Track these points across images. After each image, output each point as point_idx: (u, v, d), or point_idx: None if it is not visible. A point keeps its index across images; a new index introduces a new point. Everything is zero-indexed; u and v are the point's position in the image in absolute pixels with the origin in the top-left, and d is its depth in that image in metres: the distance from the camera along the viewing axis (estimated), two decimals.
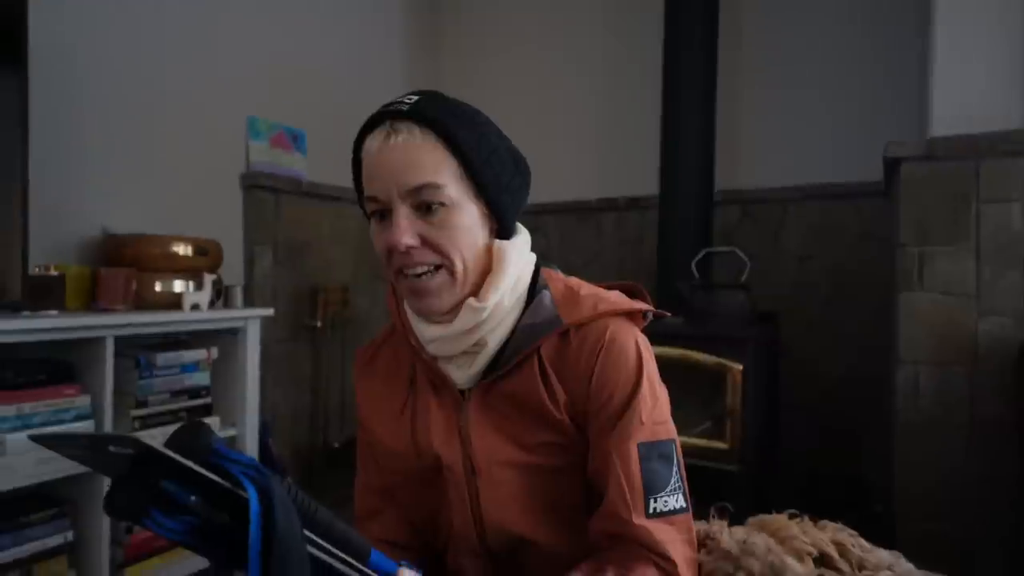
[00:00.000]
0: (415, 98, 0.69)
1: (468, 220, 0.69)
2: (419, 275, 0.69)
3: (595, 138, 2.82)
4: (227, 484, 0.46)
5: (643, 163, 2.54)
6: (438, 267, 0.69)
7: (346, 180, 2.63)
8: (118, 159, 1.89)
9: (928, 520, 1.58)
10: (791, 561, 0.69)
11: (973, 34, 1.60)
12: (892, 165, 1.70)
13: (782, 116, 2.44)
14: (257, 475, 0.47)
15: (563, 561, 0.68)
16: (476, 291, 0.71)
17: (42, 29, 1.61)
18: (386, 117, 0.68)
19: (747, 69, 2.50)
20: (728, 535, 0.74)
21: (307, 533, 0.50)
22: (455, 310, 0.71)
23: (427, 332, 0.72)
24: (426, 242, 0.68)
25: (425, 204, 0.67)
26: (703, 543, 0.75)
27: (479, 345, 0.71)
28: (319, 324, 2.42)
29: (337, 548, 0.53)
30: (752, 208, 2.47)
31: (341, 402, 2.58)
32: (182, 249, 1.82)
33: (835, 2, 2.34)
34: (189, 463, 0.44)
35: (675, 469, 0.70)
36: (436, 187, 0.66)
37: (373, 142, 0.68)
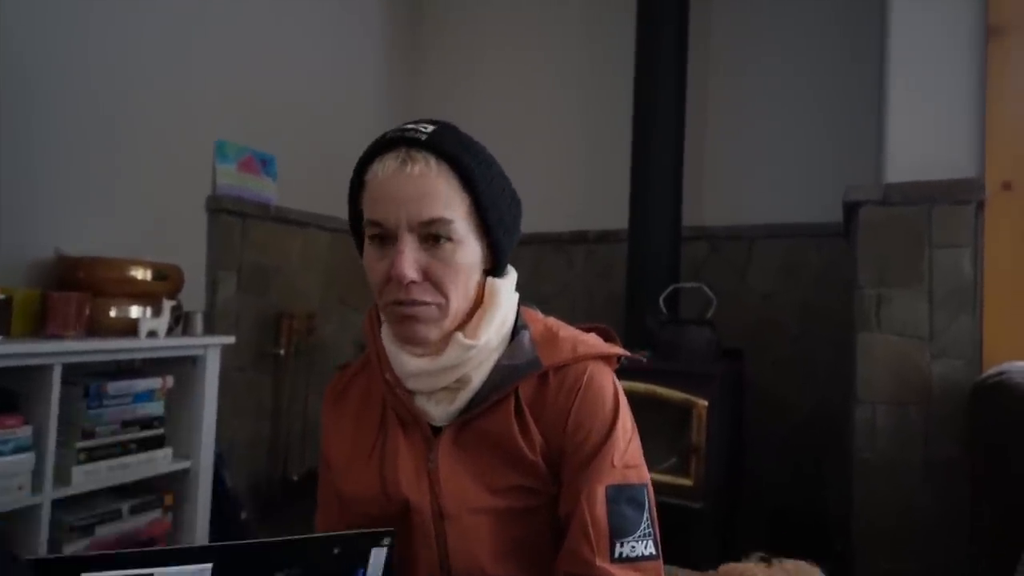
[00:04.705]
0: (431, 128, 0.68)
1: (471, 258, 0.70)
2: (414, 307, 0.68)
3: (567, 171, 2.86)
4: None
5: (614, 197, 2.58)
6: (433, 303, 0.68)
7: (316, 206, 2.60)
8: (76, 177, 1.84)
9: (886, 559, 1.59)
10: None
11: (927, 83, 1.67)
12: (851, 208, 1.75)
13: (748, 156, 2.51)
14: None
15: None
16: (462, 326, 0.71)
17: None
18: (401, 144, 0.67)
19: (714, 108, 2.57)
20: None
21: None
22: (441, 344, 0.70)
23: (410, 365, 0.71)
24: (428, 277, 0.67)
25: (433, 237, 0.67)
26: None
27: (461, 382, 0.71)
28: (282, 352, 2.37)
29: None
30: (719, 244, 2.51)
31: (302, 432, 2.51)
32: (140, 273, 1.77)
33: (799, 46, 2.43)
34: None
35: (645, 515, 0.69)
36: (447, 222, 0.66)
37: (385, 167, 0.67)
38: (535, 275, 2.85)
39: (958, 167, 1.61)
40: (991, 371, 1.41)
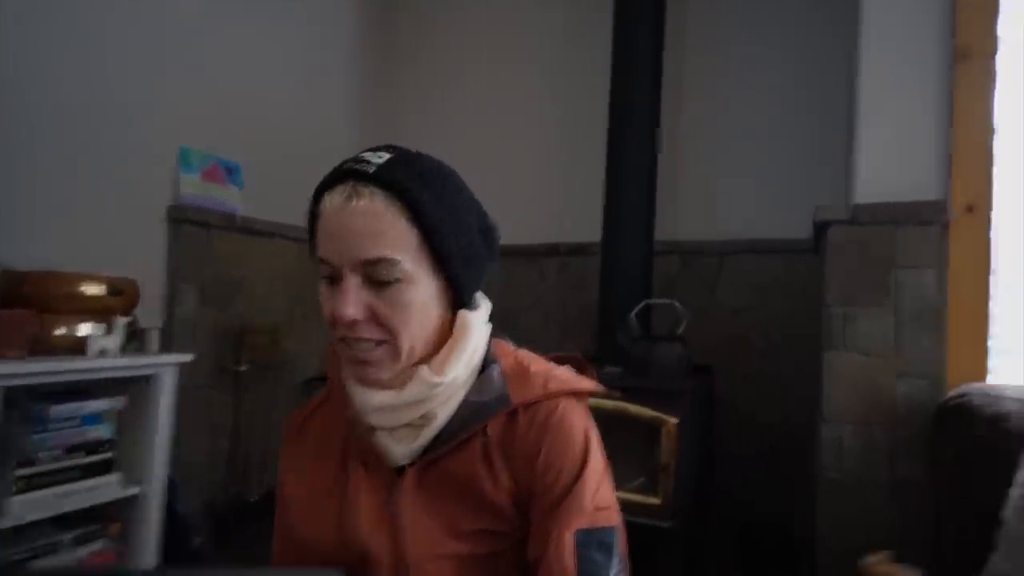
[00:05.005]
0: (384, 157, 0.65)
1: (422, 295, 0.66)
2: (361, 347, 0.65)
3: (541, 183, 2.84)
4: None
5: (588, 210, 2.56)
6: (381, 342, 0.65)
7: (284, 215, 2.52)
8: (22, 185, 1.75)
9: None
10: None
11: (895, 105, 1.69)
12: (820, 228, 1.76)
13: (721, 171, 2.52)
14: None
15: None
16: (427, 360, 0.68)
17: None
18: (349, 176, 0.64)
19: (688, 124, 2.58)
20: None
21: None
22: (405, 378, 0.67)
23: (372, 400, 0.67)
24: (374, 316, 0.64)
25: (380, 276, 0.63)
26: None
27: (426, 419, 0.67)
28: (244, 368, 2.30)
29: None
30: (690, 259, 2.51)
31: (264, 451, 2.43)
32: (93, 288, 1.70)
33: (772, 64, 2.46)
34: None
35: (615, 560, 0.66)
36: (391, 262, 0.63)
37: (332, 201, 0.64)
38: (507, 288, 2.82)
39: (924, 189, 1.63)
40: (952, 393, 1.42)
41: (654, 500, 1.84)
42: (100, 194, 1.94)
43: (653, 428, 1.91)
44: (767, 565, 1.96)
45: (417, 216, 0.64)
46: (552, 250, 2.76)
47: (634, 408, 1.91)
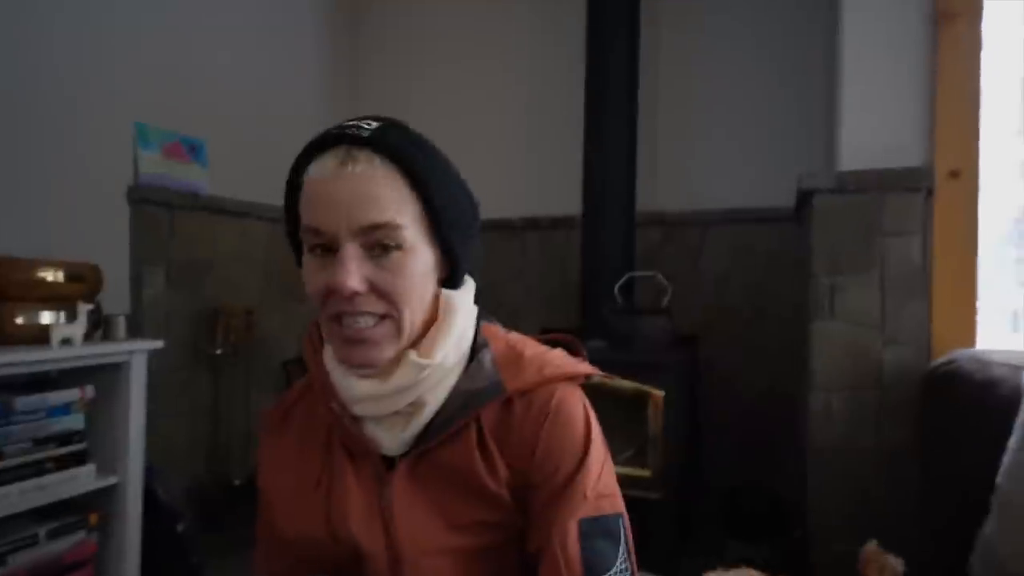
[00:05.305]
0: (374, 124, 0.61)
1: (422, 266, 0.62)
2: (360, 324, 0.60)
3: (518, 156, 2.77)
4: None
5: (567, 182, 2.51)
6: (383, 317, 0.61)
7: (253, 194, 2.41)
8: None
9: (840, 542, 1.61)
10: None
11: (879, 69, 1.67)
12: (805, 196, 1.74)
13: (702, 140, 2.49)
14: None
15: None
16: (415, 344, 0.64)
17: None
18: (342, 141, 0.60)
19: (667, 92, 2.53)
20: None
21: None
22: (392, 364, 0.63)
23: (357, 389, 0.63)
24: (375, 288, 0.59)
25: (379, 245, 0.59)
26: None
27: (415, 406, 0.63)
28: (219, 351, 2.22)
29: None
30: (673, 230, 2.49)
31: (245, 433, 2.37)
32: (51, 275, 1.60)
33: (752, 30, 2.41)
34: None
35: (622, 548, 0.63)
36: (395, 227, 0.59)
37: (323, 167, 0.59)
38: (488, 263, 2.77)
39: (909, 155, 1.62)
40: (941, 359, 1.43)
41: (644, 473, 1.85)
42: (54, 175, 1.82)
43: (639, 401, 1.91)
44: (757, 529, 1.99)
45: (416, 182, 0.61)
46: (532, 223, 2.71)
47: (620, 382, 1.90)
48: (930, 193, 1.58)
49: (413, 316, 0.63)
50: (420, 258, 0.62)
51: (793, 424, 2.17)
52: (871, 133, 1.67)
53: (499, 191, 2.74)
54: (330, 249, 0.60)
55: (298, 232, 0.64)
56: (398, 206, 0.60)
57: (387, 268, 0.60)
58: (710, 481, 2.32)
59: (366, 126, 0.61)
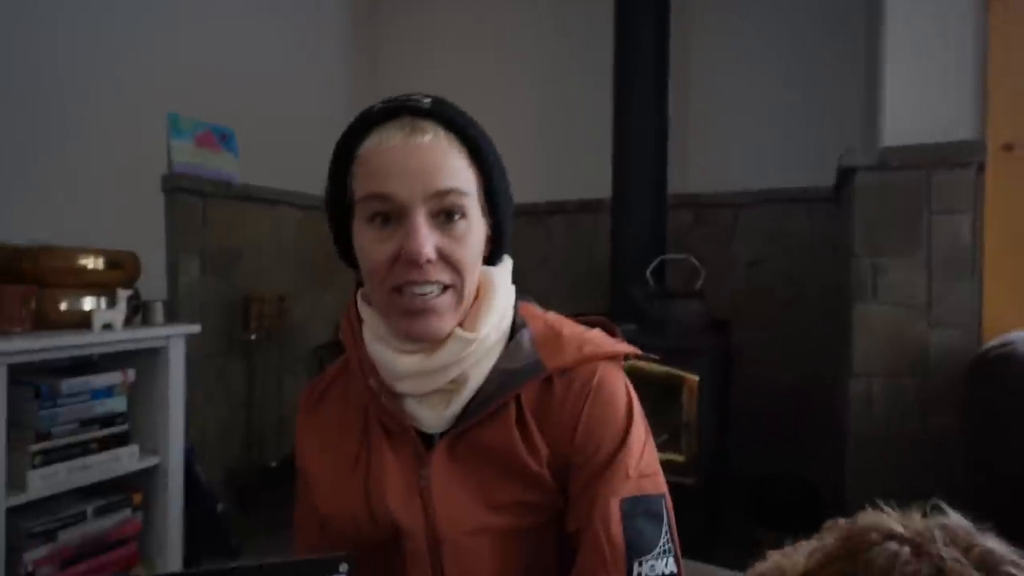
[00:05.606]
0: (428, 98, 0.63)
1: (480, 238, 0.64)
2: (426, 293, 0.60)
3: (543, 139, 2.73)
4: None
5: (594, 165, 2.47)
6: (446, 287, 0.61)
7: (282, 182, 2.42)
8: (12, 158, 1.68)
9: None
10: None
11: (926, 41, 1.59)
12: (846, 174, 1.68)
13: (734, 119, 2.42)
14: None
15: None
16: (459, 321, 0.64)
17: None
18: (402, 112, 0.61)
19: (698, 72, 2.46)
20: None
21: None
22: (438, 340, 0.63)
23: (401, 366, 0.63)
24: (442, 256, 0.60)
25: (447, 212, 0.61)
26: None
27: (457, 383, 0.63)
28: (253, 336, 2.26)
29: None
30: (704, 212, 2.44)
31: (278, 418, 2.42)
32: (91, 262, 1.64)
33: (787, 4, 2.33)
34: None
35: (664, 528, 0.62)
36: (463, 194, 0.61)
37: (388, 137, 0.60)
38: (513, 249, 2.75)
39: (958, 128, 1.54)
40: (995, 341, 1.37)
41: (677, 458, 1.82)
42: (92, 166, 1.86)
43: (672, 386, 1.88)
44: (787, 518, 1.96)
45: (475, 154, 0.63)
46: (558, 208, 2.67)
47: (654, 367, 1.87)
48: (981, 168, 1.50)
49: (471, 287, 0.63)
50: (478, 231, 0.63)
51: (828, 411, 2.12)
52: (916, 107, 1.60)
53: (523, 175, 2.71)
54: (391, 219, 0.60)
55: (344, 205, 0.64)
56: (464, 175, 0.61)
57: (453, 236, 0.61)
58: (739, 468, 2.28)
59: (424, 99, 0.62)
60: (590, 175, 2.53)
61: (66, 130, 1.81)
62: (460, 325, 0.63)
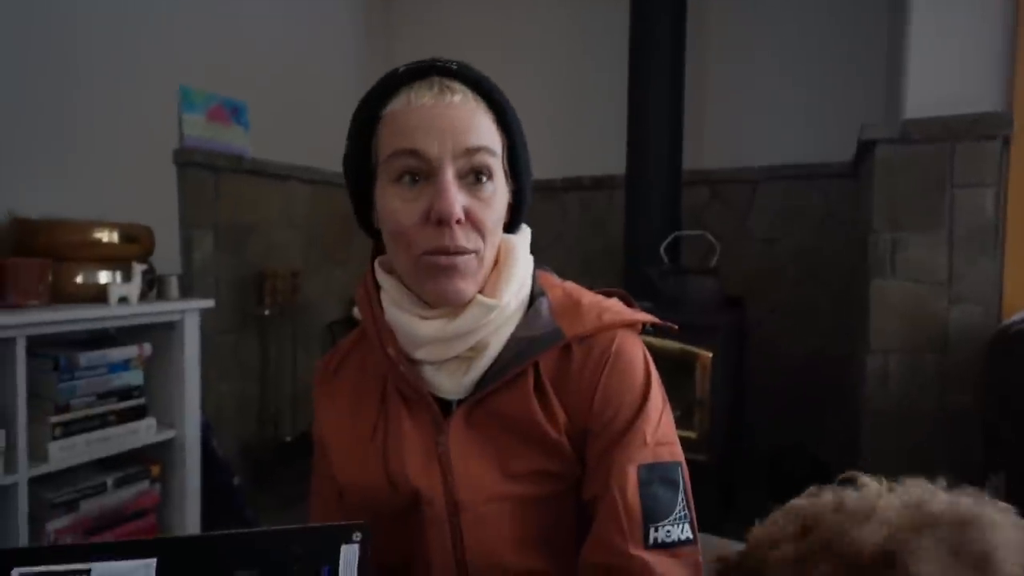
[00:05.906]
0: (454, 62, 0.63)
1: (503, 203, 0.64)
2: (454, 254, 0.60)
3: (558, 115, 2.70)
4: None
5: (608, 142, 2.44)
6: (468, 252, 0.61)
7: (294, 156, 2.40)
8: (26, 132, 1.68)
9: None
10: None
11: (949, 15, 1.55)
12: (866, 147, 1.65)
13: (750, 95, 2.38)
14: None
15: None
16: (479, 287, 0.64)
17: None
18: (431, 73, 0.61)
19: (715, 46, 2.42)
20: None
21: None
22: (459, 306, 0.62)
23: (421, 331, 0.62)
24: (469, 217, 0.59)
25: (475, 172, 0.60)
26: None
27: (477, 349, 0.63)
28: (267, 312, 2.26)
29: None
30: (720, 188, 2.41)
31: (292, 393, 2.44)
32: (106, 236, 1.64)
33: None
34: None
35: (680, 495, 0.62)
36: (493, 154, 0.61)
37: (417, 96, 0.60)
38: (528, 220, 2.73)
39: (982, 101, 1.51)
40: (1016, 317, 1.35)
41: (690, 434, 1.82)
42: (104, 139, 1.85)
43: (685, 362, 1.88)
44: (800, 492, 1.96)
45: (501, 117, 0.63)
46: (573, 184, 2.65)
47: (667, 343, 1.86)
48: (1007, 142, 1.47)
49: (491, 253, 0.63)
50: (503, 195, 0.63)
51: (842, 387, 2.11)
52: (940, 79, 1.56)
53: (538, 152, 2.68)
54: (418, 179, 0.60)
55: (367, 166, 0.63)
56: (492, 136, 0.61)
57: (481, 198, 0.60)
58: (753, 444, 2.28)
59: (451, 62, 0.62)
60: (605, 151, 2.51)
61: (79, 103, 1.80)
62: (480, 292, 0.63)
